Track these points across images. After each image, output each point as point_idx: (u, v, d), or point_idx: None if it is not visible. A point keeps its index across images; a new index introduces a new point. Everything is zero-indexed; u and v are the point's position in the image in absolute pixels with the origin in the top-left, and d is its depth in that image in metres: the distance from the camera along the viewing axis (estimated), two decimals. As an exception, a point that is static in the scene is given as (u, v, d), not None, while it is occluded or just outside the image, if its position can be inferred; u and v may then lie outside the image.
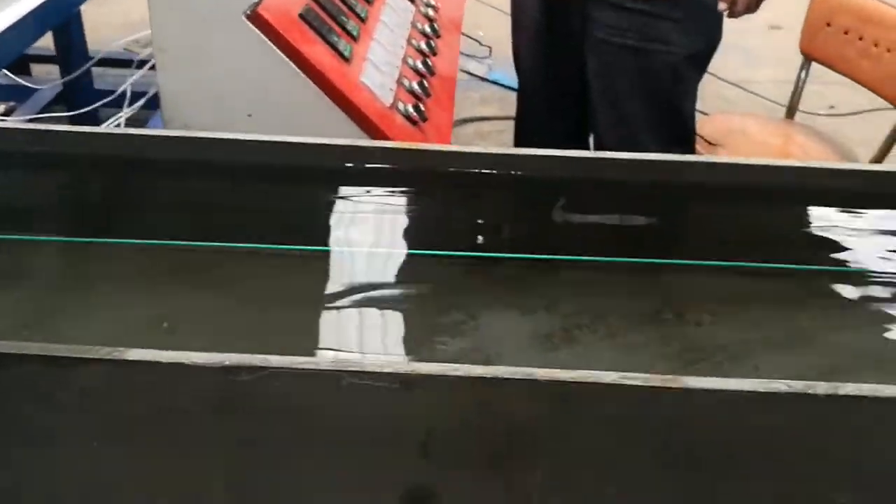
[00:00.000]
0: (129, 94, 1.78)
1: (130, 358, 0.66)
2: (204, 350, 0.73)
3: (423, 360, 0.91)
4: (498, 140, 3.21)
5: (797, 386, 0.70)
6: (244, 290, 1.02)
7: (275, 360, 0.68)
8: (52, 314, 0.94)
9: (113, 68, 2.46)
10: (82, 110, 1.90)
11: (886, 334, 1.04)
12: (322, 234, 1.08)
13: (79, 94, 2.15)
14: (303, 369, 0.68)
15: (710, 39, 1.99)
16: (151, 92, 1.80)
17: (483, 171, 1.10)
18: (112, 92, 1.99)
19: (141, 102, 1.82)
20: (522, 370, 0.68)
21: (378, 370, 0.68)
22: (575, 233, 1.10)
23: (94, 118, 2.05)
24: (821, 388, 0.70)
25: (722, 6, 1.78)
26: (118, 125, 1.74)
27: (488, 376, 0.68)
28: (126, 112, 1.74)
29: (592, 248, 1.07)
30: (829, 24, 2.46)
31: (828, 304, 1.07)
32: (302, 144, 1.07)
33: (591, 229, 1.11)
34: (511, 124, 2.58)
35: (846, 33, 2.42)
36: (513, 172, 1.09)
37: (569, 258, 1.06)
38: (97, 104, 1.87)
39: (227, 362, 0.66)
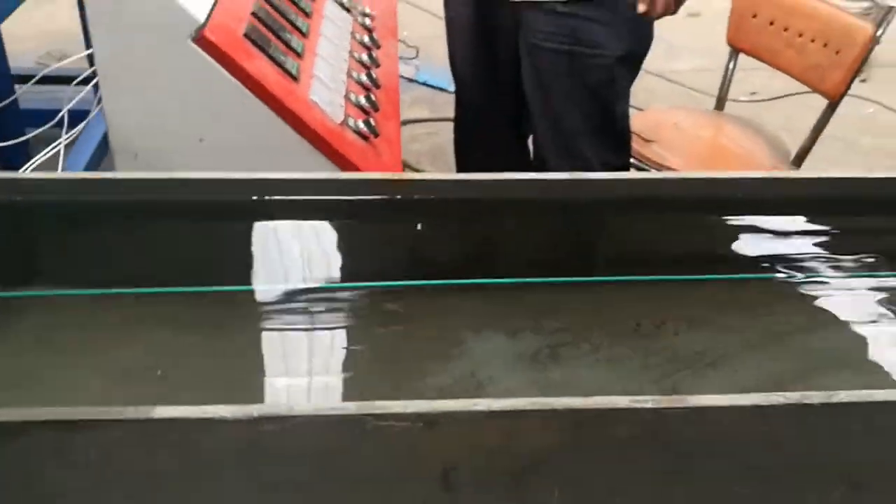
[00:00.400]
0: (66, 118, 1.74)
1: (157, 416, 0.67)
2: (207, 398, 0.75)
3: (418, 390, 0.94)
4: (431, 142, 3.24)
5: (793, 397, 0.76)
6: (229, 333, 1.03)
7: (301, 409, 0.70)
8: (39, 371, 0.94)
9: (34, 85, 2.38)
10: (17, 140, 1.84)
11: (847, 334, 1.11)
12: (303, 271, 1.10)
13: (4, 118, 2.08)
14: (328, 415, 0.70)
15: (641, 41, 2.06)
16: (94, 112, 1.76)
17: (449, 198, 1.13)
18: (41, 113, 1.93)
19: (81, 127, 1.78)
20: (541, 401, 0.72)
21: (402, 411, 0.71)
22: (548, 253, 1.15)
23: (23, 143, 2.00)
24: (816, 397, 0.76)
25: (641, 8, 1.84)
26: (57, 150, 1.71)
27: (508, 409, 0.72)
28: (65, 138, 1.71)
29: (566, 268, 1.11)
30: (754, 16, 2.57)
31: (792, 308, 1.14)
32: (276, 181, 1.08)
33: (564, 249, 1.15)
34: (444, 126, 2.62)
35: (771, 24, 2.53)
36: (482, 198, 1.13)
37: (544, 280, 1.10)
38: (36, 131, 1.81)
39: (255, 414, 0.68)
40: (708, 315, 1.10)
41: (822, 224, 1.22)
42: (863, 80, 4.28)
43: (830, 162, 3.24)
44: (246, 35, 1.59)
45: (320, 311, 1.04)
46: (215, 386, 0.93)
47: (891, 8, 2.25)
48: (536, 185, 1.12)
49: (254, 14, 1.66)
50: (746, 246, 1.19)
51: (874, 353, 1.06)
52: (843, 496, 0.83)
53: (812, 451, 0.80)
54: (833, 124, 2.45)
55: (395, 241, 1.14)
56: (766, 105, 3.68)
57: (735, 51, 2.65)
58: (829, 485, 0.82)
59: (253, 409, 0.68)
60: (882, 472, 0.82)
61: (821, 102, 2.40)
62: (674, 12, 1.85)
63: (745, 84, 3.55)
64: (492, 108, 2.28)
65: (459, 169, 2.41)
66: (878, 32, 2.23)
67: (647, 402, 0.73)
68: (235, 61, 1.52)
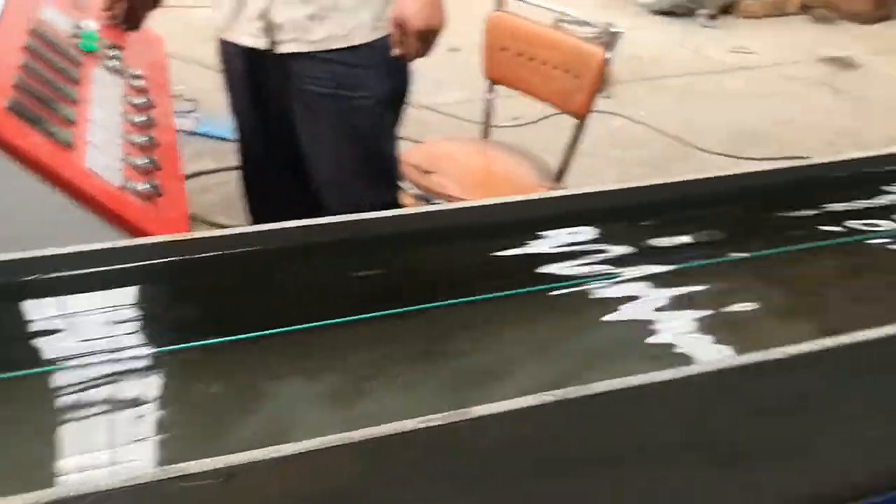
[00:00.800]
0: None
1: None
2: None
3: (224, 446, 0.92)
4: (222, 192, 3.17)
5: (559, 394, 0.81)
6: (18, 420, 0.96)
7: (95, 485, 0.67)
8: None
9: None
10: None
11: (608, 335, 1.19)
12: (94, 344, 1.05)
13: None
14: (128, 486, 0.67)
15: (401, 82, 2.12)
16: None
17: (236, 251, 1.12)
18: None
19: None
20: (339, 437, 0.73)
21: (199, 470, 0.69)
22: (337, 294, 1.16)
23: None
24: (578, 391, 0.82)
25: (395, 52, 1.92)
26: None
27: (306, 450, 0.72)
28: None
29: (356, 306, 1.13)
30: (503, 50, 2.71)
31: (563, 315, 1.21)
32: (57, 256, 1.03)
33: (351, 288, 1.17)
34: (233, 174, 2.57)
35: (519, 56, 2.68)
36: (267, 248, 1.13)
37: (336, 321, 1.11)
38: None
39: (44, 500, 0.65)
40: (490, 332, 1.15)
41: (585, 234, 1.31)
42: (608, 97, 4.62)
43: (588, 175, 3.45)
44: (10, 108, 1.51)
45: (115, 382, 1.00)
46: (7, 477, 0.87)
47: (615, 33, 2.44)
48: (318, 230, 1.14)
49: (16, 86, 1.58)
50: (520, 263, 1.26)
51: (641, 346, 1.15)
52: (615, 478, 0.89)
53: (585, 439, 0.86)
54: (587, 140, 2.62)
55: (183, 301, 1.11)
56: (528, 128, 3.88)
57: (492, 83, 2.78)
58: (603, 468, 0.88)
59: (43, 495, 0.65)
60: (645, 452, 0.90)
61: (573, 123, 2.57)
62: (424, 55, 1.93)
63: (508, 110, 3.72)
64: (273, 156, 2.28)
65: (251, 215, 2.38)
66: (608, 55, 2.41)
67: (437, 419, 0.76)
68: (1, 136, 1.43)
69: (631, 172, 3.71)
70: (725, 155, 3.81)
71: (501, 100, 2.88)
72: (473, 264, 1.28)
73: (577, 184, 2.96)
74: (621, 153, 3.94)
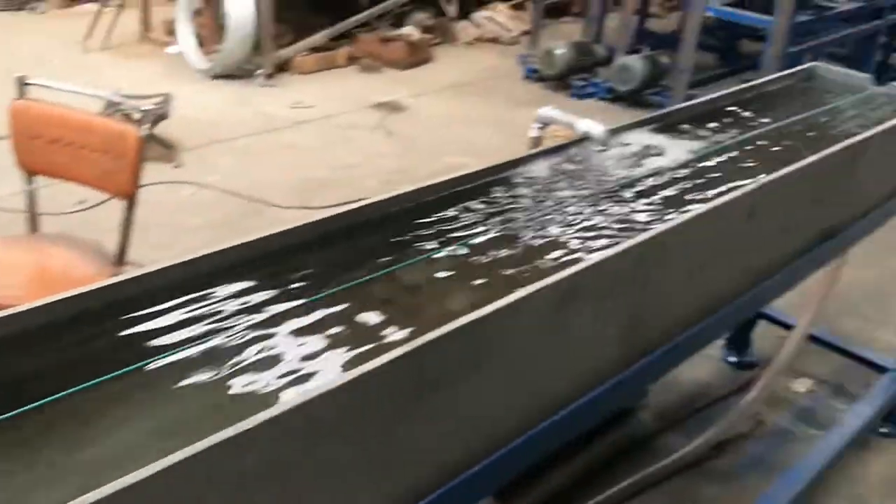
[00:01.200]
0: None
1: None
2: None
3: None
4: None
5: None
6: None
7: None
8: None
9: None
10: None
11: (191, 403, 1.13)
12: None
13: None
14: None
15: None
16: None
17: None
18: None
19: None
20: None
21: None
22: None
23: None
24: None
25: None
26: None
27: None
28: None
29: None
30: (36, 138, 2.49)
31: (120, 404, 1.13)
32: None
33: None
34: None
35: (55, 142, 2.48)
36: None
37: None
38: None
39: None
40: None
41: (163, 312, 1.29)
42: (177, 167, 4.51)
43: (163, 247, 3.32)
44: None
45: None
46: None
47: (147, 110, 2.38)
48: None
49: None
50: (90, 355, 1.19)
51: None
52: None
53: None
54: (159, 213, 2.51)
55: None
56: (99, 209, 3.61)
57: (30, 174, 2.55)
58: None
59: None
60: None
61: (146, 195, 2.44)
62: None
63: (72, 194, 3.43)
64: None
65: None
66: (142, 132, 2.35)
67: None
68: None
69: (210, 237, 3.64)
70: (296, 207, 3.90)
71: (64, 184, 2.64)
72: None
73: (152, 258, 2.82)
74: (199, 219, 3.86)
